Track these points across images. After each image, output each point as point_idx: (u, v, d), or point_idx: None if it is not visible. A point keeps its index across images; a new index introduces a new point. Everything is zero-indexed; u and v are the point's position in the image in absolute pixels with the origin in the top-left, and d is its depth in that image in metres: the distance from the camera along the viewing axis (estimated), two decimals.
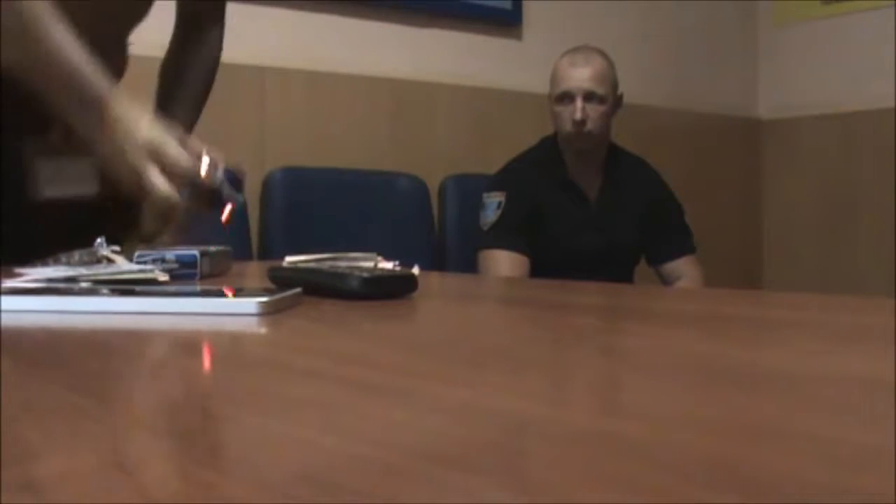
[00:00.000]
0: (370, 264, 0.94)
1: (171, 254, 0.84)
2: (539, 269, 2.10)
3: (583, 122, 2.10)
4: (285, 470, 0.21)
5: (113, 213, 1.01)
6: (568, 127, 2.12)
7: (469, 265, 2.26)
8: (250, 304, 0.55)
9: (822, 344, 0.45)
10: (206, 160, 0.93)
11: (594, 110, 2.12)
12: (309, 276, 0.71)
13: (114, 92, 0.92)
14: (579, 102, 2.10)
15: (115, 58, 1.08)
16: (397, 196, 2.49)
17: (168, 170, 0.90)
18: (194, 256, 0.85)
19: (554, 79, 2.18)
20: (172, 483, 0.20)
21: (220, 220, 0.95)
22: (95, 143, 0.92)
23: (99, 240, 0.84)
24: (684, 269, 2.25)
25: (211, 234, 0.95)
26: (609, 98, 2.15)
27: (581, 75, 2.13)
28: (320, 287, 0.68)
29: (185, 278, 0.83)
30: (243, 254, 2.11)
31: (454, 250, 2.54)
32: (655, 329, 0.53)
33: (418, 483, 0.20)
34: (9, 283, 0.62)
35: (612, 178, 2.21)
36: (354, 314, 0.58)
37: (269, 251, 2.25)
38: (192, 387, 0.33)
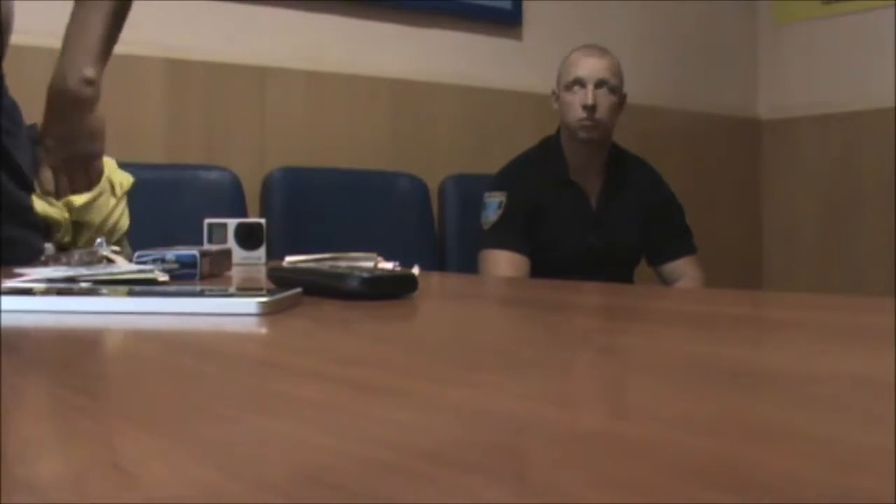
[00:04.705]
0: (370, 264, 0.94)
1: (171, 254, 0.84)
2: (539, 269, 2.09)
3: (594, 108, 2.09)
4: (285, 470, 0.21)
5: None
6: (578, 113, 2.10)
7: (469, 265, 2.26)
8: (250, 304, 0.55)
9: (822, 344, 0.45)
10: None
11: (605, 98, 2.11)
12: (309, 276, 0.71)
13: None
14: (591, 88, 2.10)
15: None
16: (397, 196, 2.49)
17: None
18: (194, 256, 0.85)
19: (565, 68, 2.18)
20: (172, 483, 0.20)
21: None
22: None
23: (99, 240, 0.84)
24: (685, 269, 2.25)
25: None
26: (619, 92, 2.15)
27: (595, 64, 2.13)
28: (320, 287, 0.68)
29: (185, 278, 0.83)
30: None
31: (454, 250, 2.53)
32: (655, 329, 0.53)
33: (418, 483, 0.20)
34: (9, 283, 0.62)
35: (613, 179, 2.21)
36: (354, 314, 0.58)
37: (269, 251, 2.25)
38: (191, 387, 0.33)
